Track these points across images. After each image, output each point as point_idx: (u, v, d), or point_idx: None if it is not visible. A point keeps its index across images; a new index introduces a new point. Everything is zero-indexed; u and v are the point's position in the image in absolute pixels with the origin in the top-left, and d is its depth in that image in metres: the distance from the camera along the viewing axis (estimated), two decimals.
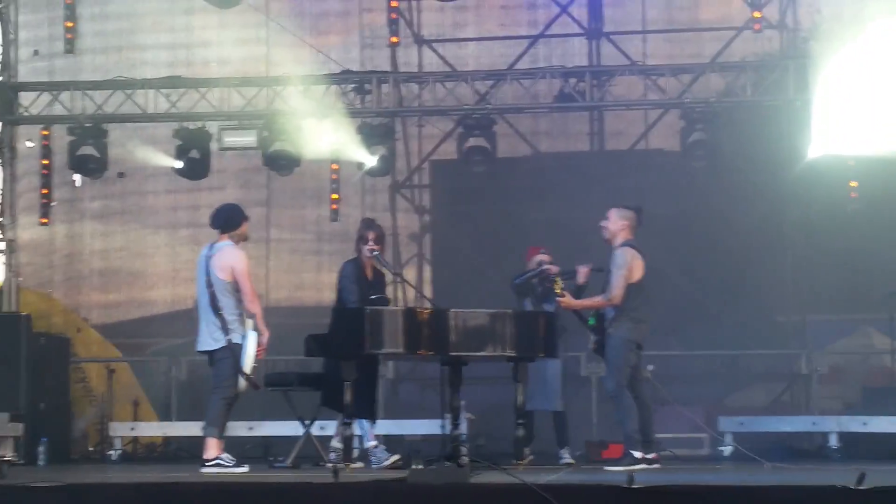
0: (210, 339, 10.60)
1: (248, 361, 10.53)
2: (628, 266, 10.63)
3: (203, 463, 10.39)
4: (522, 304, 11.93)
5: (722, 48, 16.38)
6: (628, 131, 17.13)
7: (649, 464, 10.43)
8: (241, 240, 10.92)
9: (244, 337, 10.51)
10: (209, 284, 10.60)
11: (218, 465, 10.32)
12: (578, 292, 11.47)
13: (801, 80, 14.41)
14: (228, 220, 10.94)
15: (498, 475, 8.43)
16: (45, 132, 16.22)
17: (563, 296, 10.68)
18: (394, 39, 15.81)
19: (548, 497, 7.14)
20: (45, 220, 16.58)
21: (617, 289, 10.60)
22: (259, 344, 10.57)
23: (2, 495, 7.85)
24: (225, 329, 10.50)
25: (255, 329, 10.57)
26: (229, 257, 10.65)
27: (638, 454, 10.45)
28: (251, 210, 17.42)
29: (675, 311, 15.33)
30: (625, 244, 10.76)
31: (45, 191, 16.44)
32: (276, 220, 17.60)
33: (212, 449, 10.40)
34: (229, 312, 10.52)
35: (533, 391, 11.31)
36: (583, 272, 11.44)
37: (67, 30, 16.13)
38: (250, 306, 10.56)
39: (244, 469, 10.32)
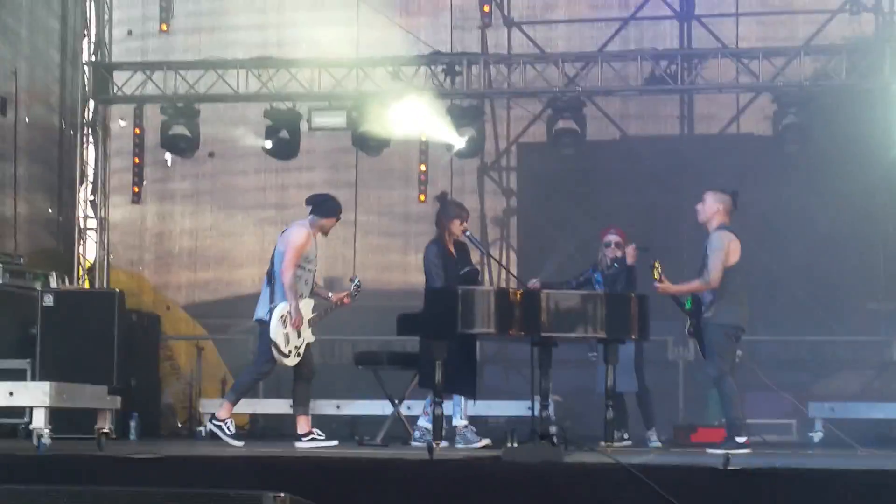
0: (259, 308, 10.96)
1: (275, 331, 10.65)
2: (725, 249, 10.52)
3: (298, 438, 10.79)
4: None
5: (816, 31, 16.18)
6: (719, 115, 16.97)
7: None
8: (321, 230, 11.06)
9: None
10: (272, 256, 10.92)
11: (220, 428, 10.76)
12: (628, 272, 11.42)
13: None
14: (319, 204, 11.16)
15: (590, 455, 8.41)
16: (138, 111, 16.43)
17: (661, 280, 10.57)
18: (486, 8, 15.76)
19: (643, 477, 7.10)
20: (136, 199, 16.78)
21: (715, 271, 10.48)
22: (286, 314, 10.67)
23: (101, 466, 7.96)
24: (272, 300, 10.77)
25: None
26: (291, 232, 10.94)
27: (742, 439, 10.35)
28: (340, 191, 17.77)
29: (765, 297, 15.18)
30: (721, 227, 10.66)
31: (136, 170, 16.66)
32: (363, 201, 17.62)
33: (223, 410, 10.85)
34: (279, 285, 10.74)
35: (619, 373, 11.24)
36: (630, 252, 11.40)
37: (161, 10, 16.31)
38: (282, 274, 10.73)
39: (240, 444, 10.68)
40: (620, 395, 11.51)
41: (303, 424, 10.85)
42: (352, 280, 11.57)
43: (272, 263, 10.97)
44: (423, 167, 16.36)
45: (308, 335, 10.92)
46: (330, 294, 11.39)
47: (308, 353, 10.95)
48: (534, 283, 11.55)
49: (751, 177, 15.30)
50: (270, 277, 10.90)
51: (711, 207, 10.72)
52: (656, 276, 10.56)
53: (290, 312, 10.73)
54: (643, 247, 11.41)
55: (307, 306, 10.96)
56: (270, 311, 10.76)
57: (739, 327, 10.69)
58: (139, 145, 16.60)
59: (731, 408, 10.55)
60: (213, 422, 10.86)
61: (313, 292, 11.12)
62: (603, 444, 10.13)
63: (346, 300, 11.32)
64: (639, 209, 15.51)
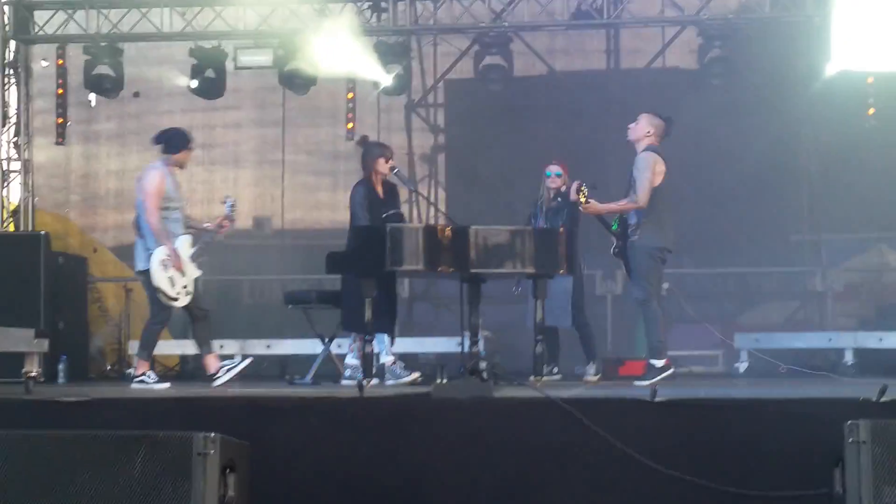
0: (137, 260, 10.89)
1: (158, 277, 10.60)
2: (651, 169, 10.54)
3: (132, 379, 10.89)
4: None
5: None
6: (645, 49, 16.97)
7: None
8: (177, 165, 10.98)
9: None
10: (136, 206, 10.88)
11: (142, 381, 10.64)
12: (572, 209, 11.45)
13: None
14: (168, 141, 11.07)
15: (521, 390, 8.49)
16: (60, 51, 16.20)
17: (587, 201, 10.58)
18: None
19: (571, 410, 7.18)
20: (60, 141, 16.59)
21: (642, 191, 10.48)
22: (164, 258, 10.63)
23: (29, 409, 7.92)
24: (147, 248, 10.70)
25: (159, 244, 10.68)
26: (144, 177, 10.86)
27: (660, 361, 10.45)
28: (267, 129, 17.73)
29: (689, 230, 15.26)
30: (648, 148, 10.68)
31: (60, 111, 16.44)
32: (291, 140, 17.55)
33: (140, 367, 10.82)
34: (149, 232, 10.68)
35: (549, 307, 11.32)
36: (574, 188, 11.45)
37: None
38: (147, 221, 10.68)
39: (166, 385, 10.69)
40: (553, 329, 11.58)
41: (211, 364, 10.83)
42: (224, 201, 11.34)
43: (137, 213, 10.88)
44: (350, 105, 16.25)
45: (193, 271, 10.80)
46: (206, 224, 11.28)
47: (197, 290, 10.84)
48: (575, 184, 11.34)
49: (676, 110, 15.31)
50: (138, 227, 10.81)
51: (643, 129, 10.74)
52: (582, 198, 10.59)
53: (168, 255, 10.62)
54: (591, 185, 11.43)
55: (184, 244, 10.81)
56: (148, 259, 10.66)
57: (665, 248, 10.70)
58: (62, 85, 16.36)
59: (653, 330, 10.63)
60: (135, 380, 10.78)
61: (190, 227, 11.01)
62: (532, 378, 10.21)
63: (224, 223, 11.19)
64: (566, 144, 15.53)
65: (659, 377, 10.23)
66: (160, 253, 10.60)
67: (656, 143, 10.74)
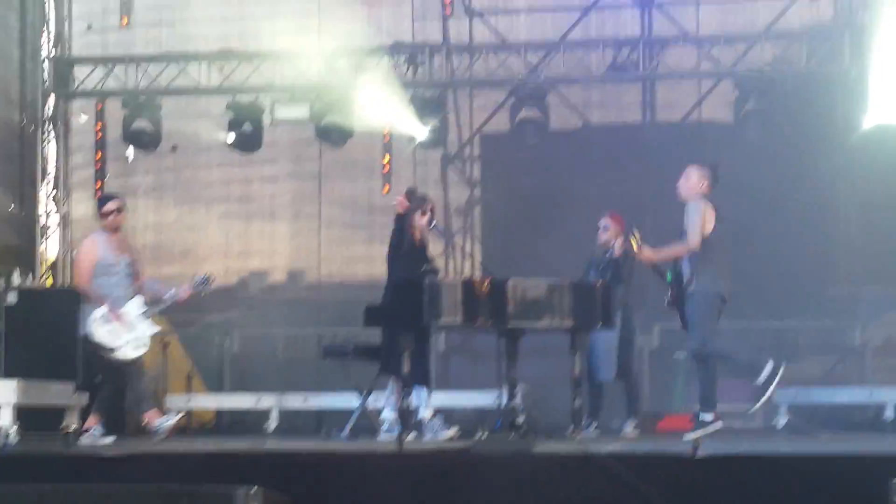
0: (81, 327, 10.98)
1: (97, 333, 10.68)
2: (701, 215, 10.42)
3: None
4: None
5: (776, 17, 16.22)
6: (681, 102, 16.97)
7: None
8: (112, 230, 11.00)
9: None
10: None
11: (90, 436, 10.62)
12: (616, 266, 11.43)
13: (857, 48, 14.32)
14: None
15: (560, 444, 8.44)
16: (99, 106, 16.36)
17: (640, 249, 10.53)
18: None
19: (613, 465, 7.13)
20: (98, 195, 16.70)
21: (693, 235, 10.36)
22: (99, 313, 10.71)
23: (70, 463, 7.93)
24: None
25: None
26: (79, 249, 11.16)
27: (709, 416, 10.35)
28: (303, 183, 17.78)
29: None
30: (696, 198, 10.61)
31: (98, 165, 16.58)
32: (327, 193, 17.61)
33: (89, 421, 10.80)
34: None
35: (594, 362, 11.29)
36: (619, 245, 11.43)
37: (121, 3, 16.22)
38: (82, 292, 10.88)
39: (110, 439, 10.64)
40: (598, 383, 11.54)
41: (153, 418, 10.93)
42: (194, 278, 11.46)
43: None
44: (386, 158, 16.32)
45: (146, 328, 10.88)
46: (166, 295, 11.21)
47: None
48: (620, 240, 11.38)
49: (712, 163, 15.35)
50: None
51: (697, 183, 10.67)
52: (635, 244, 10.52)
53: (105, 312, 10.72)
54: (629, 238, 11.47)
55: (134, 303, 10.88)
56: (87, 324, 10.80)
57: (721, 297, 10.57)
58: (101, 140, 16.50)
59: (707, 383, 10.48)
60: (82, 438, 10.71)
61: (152, 297, 11.08)
62: (571, 432, 10.15)
63: (185, 294, 11.28)
64: (602, 197, 15.51)
65: (707, 430, 10.13)
66: (96, 312, 10.73)
67: (708, 193, 10.68)
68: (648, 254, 10.59)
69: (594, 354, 11.65)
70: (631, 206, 15.16)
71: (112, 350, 10.71)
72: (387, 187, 16.30)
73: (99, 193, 16.51)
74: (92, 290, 10.77)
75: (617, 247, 11.11)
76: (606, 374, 11.69)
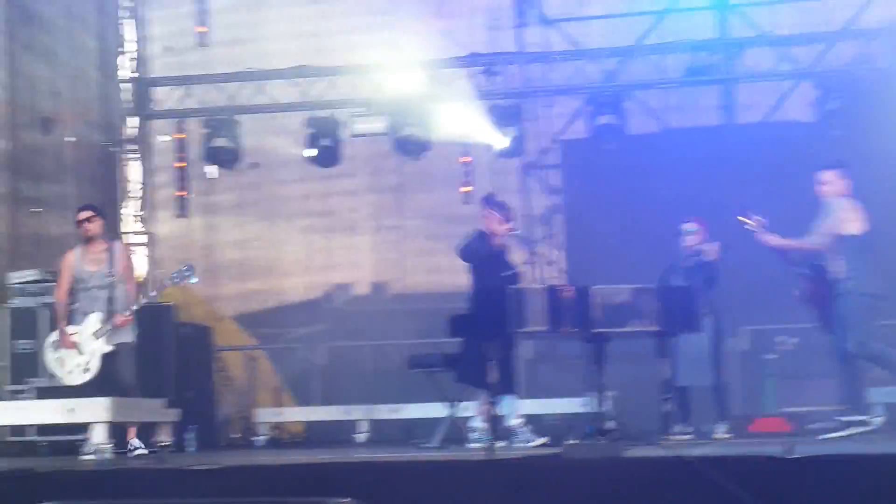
0: None
1: (48, 361, 10.74)
2: (837, 216, 10.34)
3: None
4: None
5: (854, 14, 16.06)
6: (761, 104, 16.84)
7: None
8: (84, 239, 10.93)
9: None
10: None
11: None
12: (708, 269, 11.37)
13: None
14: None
15: (650, 449, 8.38)
16: (180, 126, 16.54)
17: (761, 232, 10.42)
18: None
19: (704, 469, 7.07)
20: (181, 213, 16.90)
21: (819, 236, 10.31)
22: (51, 339, 10.76)
23: (162, 478, 7.99)
24: None
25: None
26: None
27: (860, 417, 10.20)
28: (383, 195, 17.85)
29: None
30: (839, 198, 10.47)
31: (180, 184, 16.77)
32: (408, 205, 17.67)
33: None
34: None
35: (684, 366, 11.21)
36: (713, 249, 11.36)
37: (198, 23, 16.40)
38: None
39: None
40: (686, 388, 11.49)
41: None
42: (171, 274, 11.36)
43: None
44: (465, 169, 16.34)
45: (97, 347, 10.70)
46: (133, 306, 10.97)
47: (114, 365, 10.70)
48: (714, 246, 11.39)
49: (796, 164, 15.20)
50: None
51: (842, 186, 10.52)
52: (753, 225, 10.41)
53: (57, 338, 10.72)
54: (727, 246, 11.44)
55: (91, 321, 10.73)
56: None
57: (876, 296, 10.41)
58: (182, 159, 16.69)
59: (854, 385, 10.35)
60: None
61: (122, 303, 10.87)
62: (663, 437, 10.10)
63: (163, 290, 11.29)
64: (683, 201, 15.42)
65: (860, 431, 9.99)
66: (49, 336, 10.79)
67: (849, 193, 10.55)
68: (774, 239, 10.46)
69: (692, 359, 11.57)
70: (711, 208, 15.09)
71: (62, 378, 10.67)
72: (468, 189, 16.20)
73: (181, 213, 16.69)
74: (60, 307, 10.75)
75: (711, 251, 11.03)
76: (704, 379, 11.62)
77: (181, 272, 11.20)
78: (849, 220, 10.30)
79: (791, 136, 16.02)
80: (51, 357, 10.76)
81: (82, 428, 10.24)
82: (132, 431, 10.66)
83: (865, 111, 14.64)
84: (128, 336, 10.79)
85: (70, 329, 10.68)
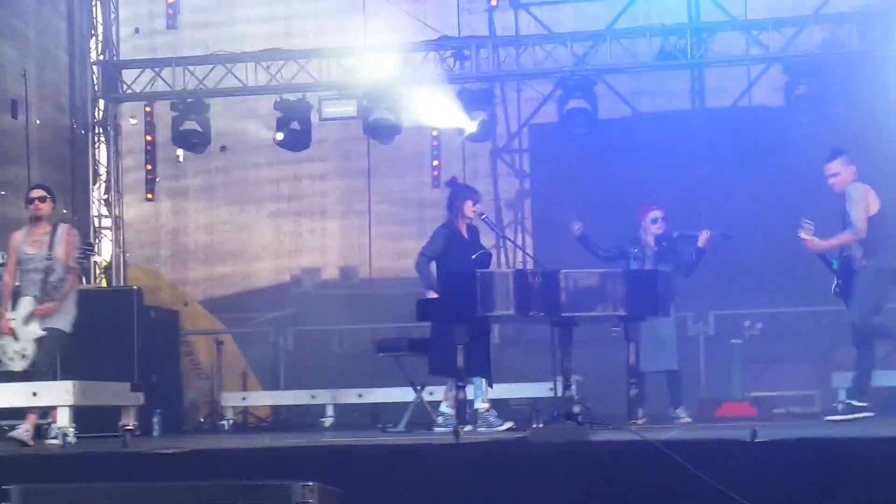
0: None
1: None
2: (866, 198, 10.30)
3: None
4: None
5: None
6: (730, 88, 16.85)
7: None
8: (32, 219, 10.60)
9: None
10: None
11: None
12: (698, 255, 11.41)
13: None
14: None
15: (616, 433, 8.39)
16: (148, 108, 16.44)
17: (810, 239, 10.43)
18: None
19: (670, 453, 7.08)
20: (150, 197, 16.81)
21: (860, 221, 10.22)
22: None
23: (127, 462, 7.97)
24: None
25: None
26: None
27: (860, 403, 10.19)
28: (353, 179, 17.82)
29: (781, 268, 15.12)
30: (854, 182, 10.49)
31: (149, 167, 16.69)
32: (377, 189, 17.64)
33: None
34: None
35: (647, 351, 11.21)
36: (704, 236, 11.40)
37: (167, 6, 16.31)
38: None
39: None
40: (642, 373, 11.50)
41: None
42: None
43: None
44: (435, 153, 16.31)
45: (30, 332, 10.35)
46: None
47: (38, 352, 10.35)
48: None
49: (765, 149, 15.25)
50: None
51: (850, 172, 10.48)
52: (806, 235, 10.43)
53: None
54: (728, 234, 11.43)
55: (24, 305, 10.39)
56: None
57: (893, 273, 10.34)
58: (150, 142, 16.60)
59: (862, 367, 10.35)
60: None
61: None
62: (629, 422, 10.10)
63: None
64: (653, 185, 15.42)
65: (856, 416, 10.00)
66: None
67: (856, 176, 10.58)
68: (818, 243, 10.47)
69: (658, 344, 11.59)
70: (681, 193, 15.12)
71: (4, 364, 10.34)
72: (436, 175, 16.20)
73: (149, 195, 16.60)
74: (3, 290, 10.44)
75: (702, 239, 11.13)
76: (671, 362, 11.65)
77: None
78: (870, 201, 10.33)
79: (760, 120, 16.06)
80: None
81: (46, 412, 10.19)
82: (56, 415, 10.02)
83: (834, 96, 14.65)
84: (59, 322, 10.44)
85: (9, 315, 10.38)
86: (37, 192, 10.63)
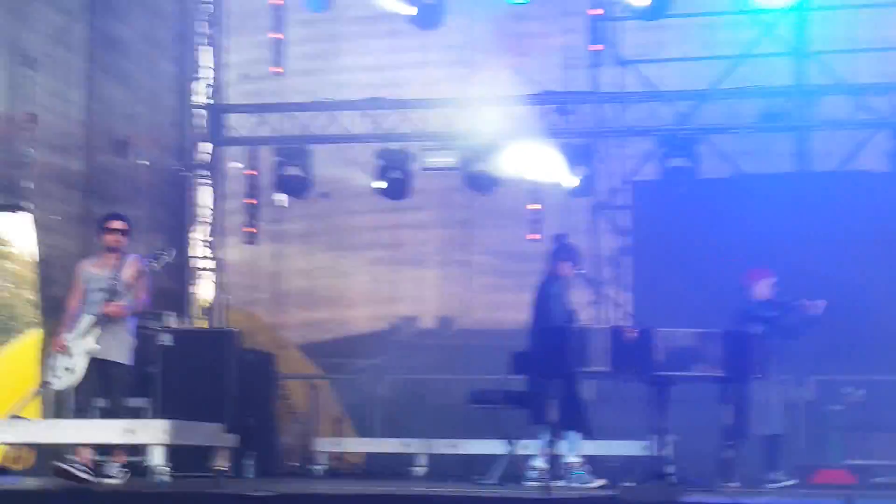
0: None
1: (44, 370, 10.54)
2: None
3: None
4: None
5: None
6: (836, 151, 16.66)
7: None
8: (104, 246, 10.64)
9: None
10: None
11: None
12: (806, 324, 11.29)
13: None
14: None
15: (709, 495, 8.29)
16: (252, 153, 16.65)
17: None
18: (596, 47, 15.72)
19: None
20: (250, 240, 16.99)
21: None
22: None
23: (219, 502, 8.01)
24: None
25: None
26: None
27: None
28: (452, 230, 17.85)
29: (882, 334, 14.87)
30: None
31: (250, 211, 16.88)
32: (476, 239, 17.64)
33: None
34: None
35: (754, 414, 11.08)
36: (819, 305, 11.29)
37: (274, 52, 16.53)
38: None
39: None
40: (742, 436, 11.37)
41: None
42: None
43: None
44: (535, 206, 16.30)
45: (82, 347, 10.36)
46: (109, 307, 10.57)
47: (96, 370, 10.37)
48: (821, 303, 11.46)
49: (870, 214, 15.04)
50: None
51: None
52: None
53: (54, 342, 10.44)
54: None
55: (82, 322, 10.42)
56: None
57: None
58: (254, 186, 16.79)
59: None
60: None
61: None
62: (724, 485, 9.99)
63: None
64: (754, 247, 15.28)
65: None
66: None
67: None
68: None
69: (767, 407, 11.45)
70: (783, 255, 14.95)
71: (51, 384, 10.44)
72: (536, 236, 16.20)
73: (251, 240, 16.78)
74: (67, 313, 10.47)
75: (817, 307, 11.04)
76: (777, 426, 11.49)
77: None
78: None
79: (866, 185, 15.85)
80: (47, 364, 10.58)
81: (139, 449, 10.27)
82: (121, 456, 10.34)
83: None
84: (117, 354, 10.44)
85: (66, 335, 10.43)
86: (118, 224, 10.62)
